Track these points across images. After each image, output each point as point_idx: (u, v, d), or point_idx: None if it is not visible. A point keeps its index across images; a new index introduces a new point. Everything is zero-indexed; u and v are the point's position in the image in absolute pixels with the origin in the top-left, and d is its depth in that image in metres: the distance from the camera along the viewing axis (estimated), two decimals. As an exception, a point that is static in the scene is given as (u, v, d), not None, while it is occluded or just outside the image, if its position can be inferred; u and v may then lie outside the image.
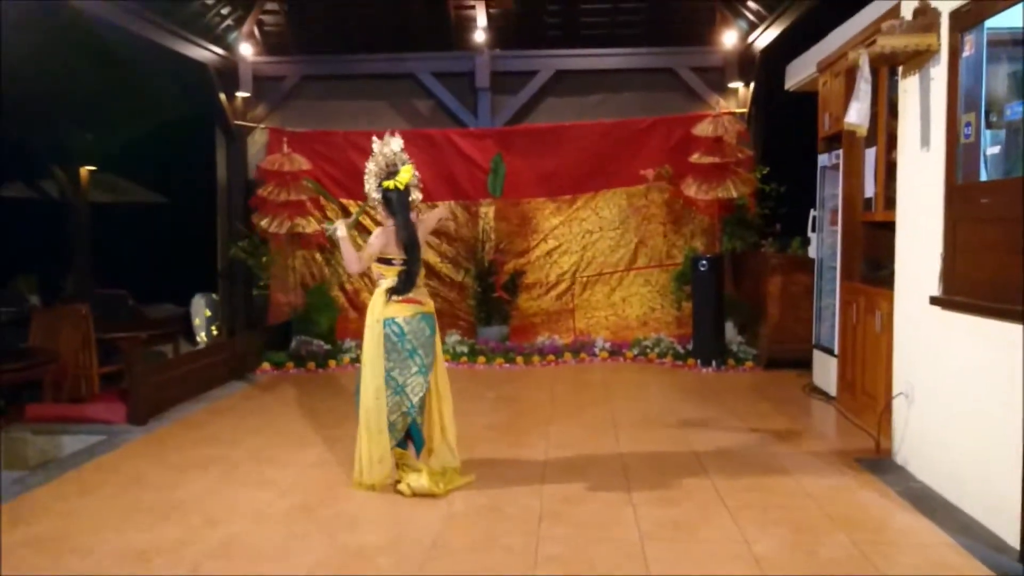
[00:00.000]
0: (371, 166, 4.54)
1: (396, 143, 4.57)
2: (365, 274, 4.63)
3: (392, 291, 4.44)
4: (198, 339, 9.88)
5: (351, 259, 4.50)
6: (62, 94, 9.61)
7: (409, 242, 4.43)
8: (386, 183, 4.47)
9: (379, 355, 4.42)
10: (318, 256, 9.29)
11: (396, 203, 4.46)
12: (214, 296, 9.99)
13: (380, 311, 4.44)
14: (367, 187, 4.55)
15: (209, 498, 4.43)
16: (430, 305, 4.60)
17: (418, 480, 4.40)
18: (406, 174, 4.50)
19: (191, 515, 4.16)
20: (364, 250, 4.49)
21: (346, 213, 9.11)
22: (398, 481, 4.46)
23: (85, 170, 11.25)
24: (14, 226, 10.94)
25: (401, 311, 4.44)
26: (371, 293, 4.71)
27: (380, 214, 4.62)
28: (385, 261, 4.48)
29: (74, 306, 7.40)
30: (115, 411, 6.16)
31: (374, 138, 4.60)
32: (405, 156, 4.58)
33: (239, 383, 7.67)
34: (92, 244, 11.32)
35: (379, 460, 4.46)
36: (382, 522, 4.07)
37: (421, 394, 4.49)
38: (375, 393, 4.42)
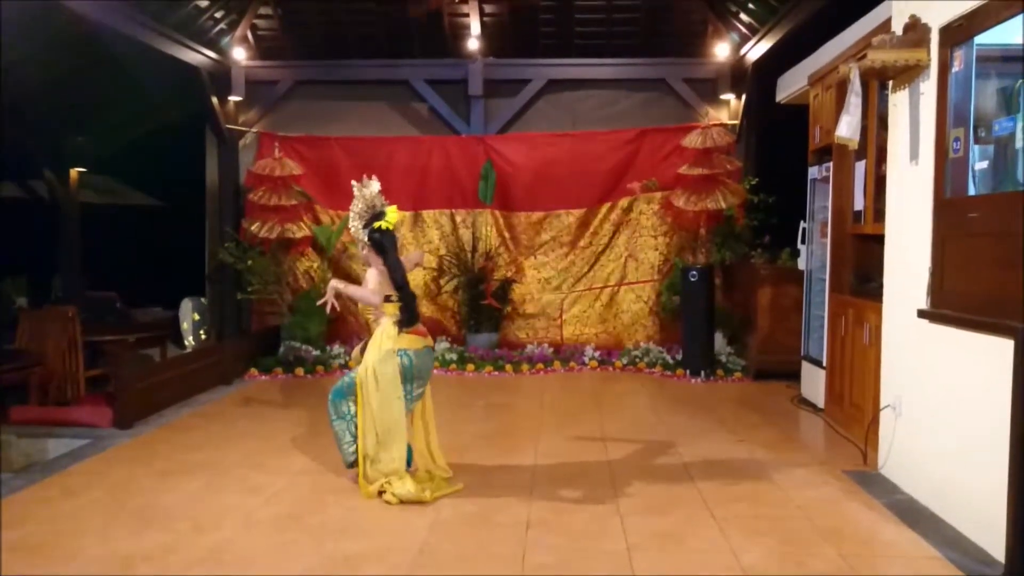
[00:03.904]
0: (355, 209, 4.58)
1: (375, 186, 4.63)
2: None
3: (400, 324, 4.50)
4: (186, 343, 9.83)
5: (365, 295, 4.56)
6: (55, 96, 9.56)
7: (402, 282, 4.50)
8: (377, 223, 4.53)
9: (398, 381, 4.47)
10: (307, 261, 9.25)
11: (387, 244, 4.52)
12: (203, 300, 9.94)
13: (394, 341, 4.48)
14: (353, 229, 4.60)
15: (195, 504, 4.41)
16: (430, 338, 4.72)
17: (403, 487, 4.40)
18: (393, 215, 4.58)
19: (177, 521, 4.14)
20: (370, 284, 4.52)
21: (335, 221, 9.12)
22: (382, 491, 4.46)
23: (75, 172, 11.19)
24: (3, 227, 10.86)
25: (413, 343, 4.53)
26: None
27: (364, 254, 4.64)
28: (384, 298, 4.54)
29: (61, 308, 7.35)
30: (101, 415, 6.12)
31: (353, 182, 4.64)
32: (383, 199, 4.65)
33: (227, 388, 7.64)
34: (82, 246, 11.26)
35: (396, 475, 4.50)
36: (370, 529, 4.05)
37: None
38: (399, 417, 4.47)
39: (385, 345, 4.47)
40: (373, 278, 4.51)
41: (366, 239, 4.55)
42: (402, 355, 4.48)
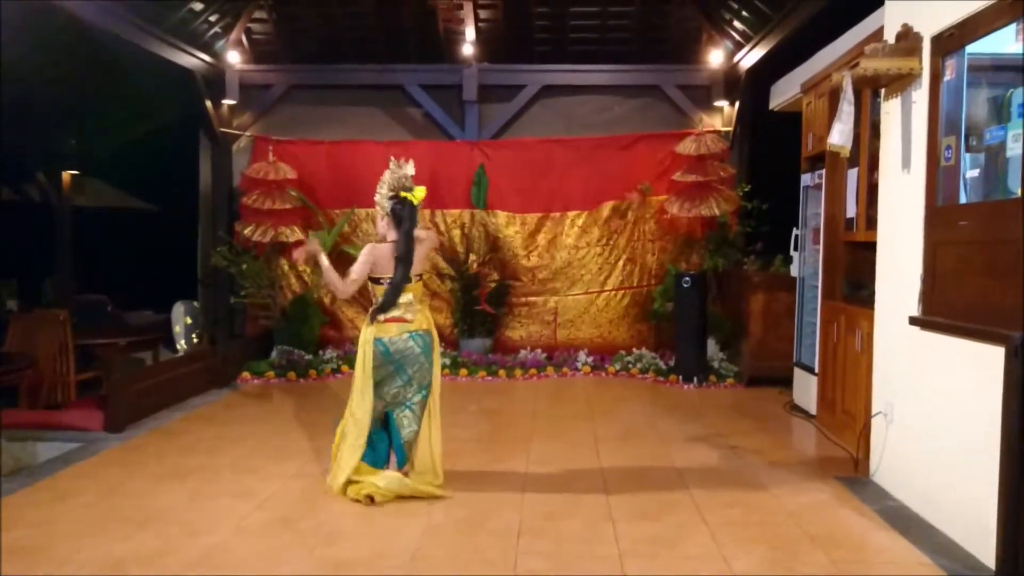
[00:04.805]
0: (386, 177, 4.61)
1: (410, 169, 4.67)
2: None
3: (377, 310, 4.49)
4: (178, 347, 9.80)
5: (335, 285, 4.53)
6: (48, 98, 9.53)
7: (405, 255, 4.48)
8: (403, 193, 4.55)
9: (367, 374, 4.48)
10: (301, 265, 9.22)
11: (404, 214, 4.53)
12: (195, 304, 9.91)
13: (370, 331, 4.50)
14: (377, 196, 4.61)
15: (187, 508, 4.39)
16: (421, 322, 4.60)
17: (385, 481, 4.46)
18: (421, 192, 4.62)
19: (169, 525, 4.12)
20: (351, 273, 4.52)
21: (332, 224, 9.11)
22: (371, 497, 4.45)
23: (67, 174, 11.16)
24: (-4, 229, 10.83)
25: (386, 331, 4.50)
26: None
27: (382, 225, 4.62)
28: (375, 280, 4.54)
29: (52, 311, 7.33)
30: (92, 418, 6.09)
31: (391, 159, 4.69)
32: (411, 184, 4.67)
33: (219, 392, 7.61)
34: (74, 250, 11.22)
35: (341, 469, 4.54)
36: (362, 535, 4.05)
37: (405, 403, 4.57)
38: (360, 411, 4.48)
39: (362, 336, 4.53)
40: (362, 258, 4.49)
41: (388, 208, 4.54)
42: (377, 343, 4.48)
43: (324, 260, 4.56)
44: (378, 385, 4.51)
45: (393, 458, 4.62)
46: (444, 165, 9.21)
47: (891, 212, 4.79)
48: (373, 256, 4.50)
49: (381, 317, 4.48)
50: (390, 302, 4.48)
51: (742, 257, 8.62)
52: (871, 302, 5.09)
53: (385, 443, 4.63)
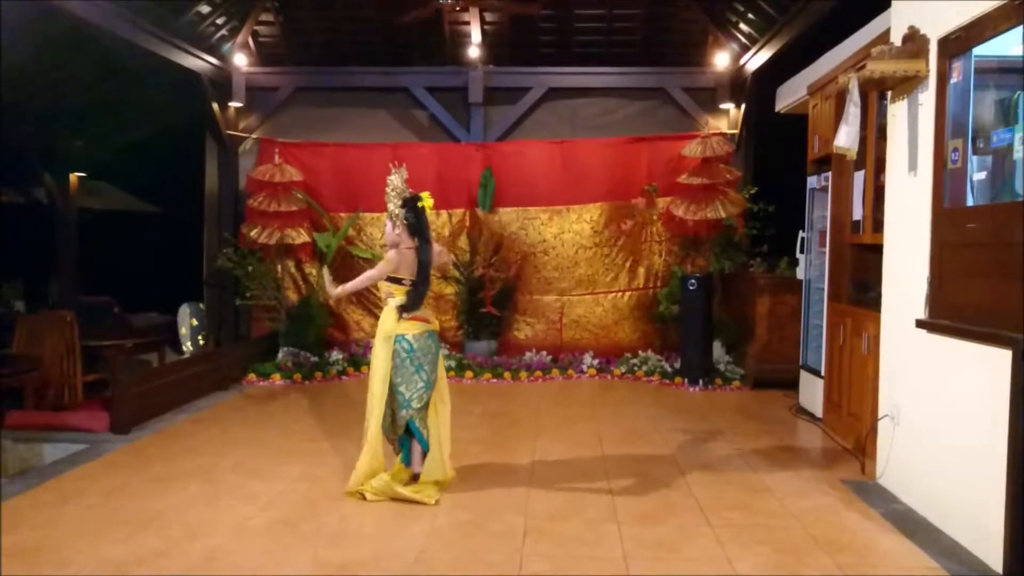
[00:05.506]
0: (396, 185, 4.68)
1: (403, 173, 4.76)
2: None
3: (402, 308, 4.60)
4: (184, 348, 9.82)
5: (366, 279, 4.76)
6: (55, 100, 9.57)
7: (427, 263, 4.64)
8: (420, 203, 4.67)
9: (388, 370, 4.57)
10: (307, 267, 9.23)
11: (423, 224, 4.68)
12: (201, 306, 9.94)
13: (391, 327, 4.59)
14: (391, 206, 4.68)
15: (190, 510, 4.39)
16: (436, 323, 4.81)
17: (377, 482, 4.52)
18: (430, 201, 4.75)
19: (171, 527, 4.12)
20: (380, 264, 4.68)
21: (336, 227, 9.11)
22: (363, 495, 4.54)
23: (74, 176, 11.20)
24: (1, 231, 10.85)
25: (411, 328, 4.61)
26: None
27: (394, 235, 4.68)
28: (395, 280, 4.64)
29: (59, 313, 7.35)
30: (98, 420, 6.10)
31: (391, 166, 4.76)
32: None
33: (224, 394, 7.62)
34: (79, 251, 11.25)
35: (370, 473, 4.59)
36: (365, 537, 4.04)
37: (421, 404, 4.64)
38: (380, 409, 4.57)
39: (384, 330, 4.60)
40: (392, 257, 4.61)
41: (403, 218, 4.63)
42: (400, 340, 4.58)
43: (344, 288, 4.77)
44: (397, 387, 4.58)
45: (416, 457, 4.72)
46: (450, 167, 9.22)
47: (898, 214, 4.77)
48: (399, 258, 4.62)
49: (407, 316, 4.61)
50: (417, 303, 4.62)
51: (748, 259, 8.60)
52: (877, 305, 5.07)
53: (406, 446, 4.76)
